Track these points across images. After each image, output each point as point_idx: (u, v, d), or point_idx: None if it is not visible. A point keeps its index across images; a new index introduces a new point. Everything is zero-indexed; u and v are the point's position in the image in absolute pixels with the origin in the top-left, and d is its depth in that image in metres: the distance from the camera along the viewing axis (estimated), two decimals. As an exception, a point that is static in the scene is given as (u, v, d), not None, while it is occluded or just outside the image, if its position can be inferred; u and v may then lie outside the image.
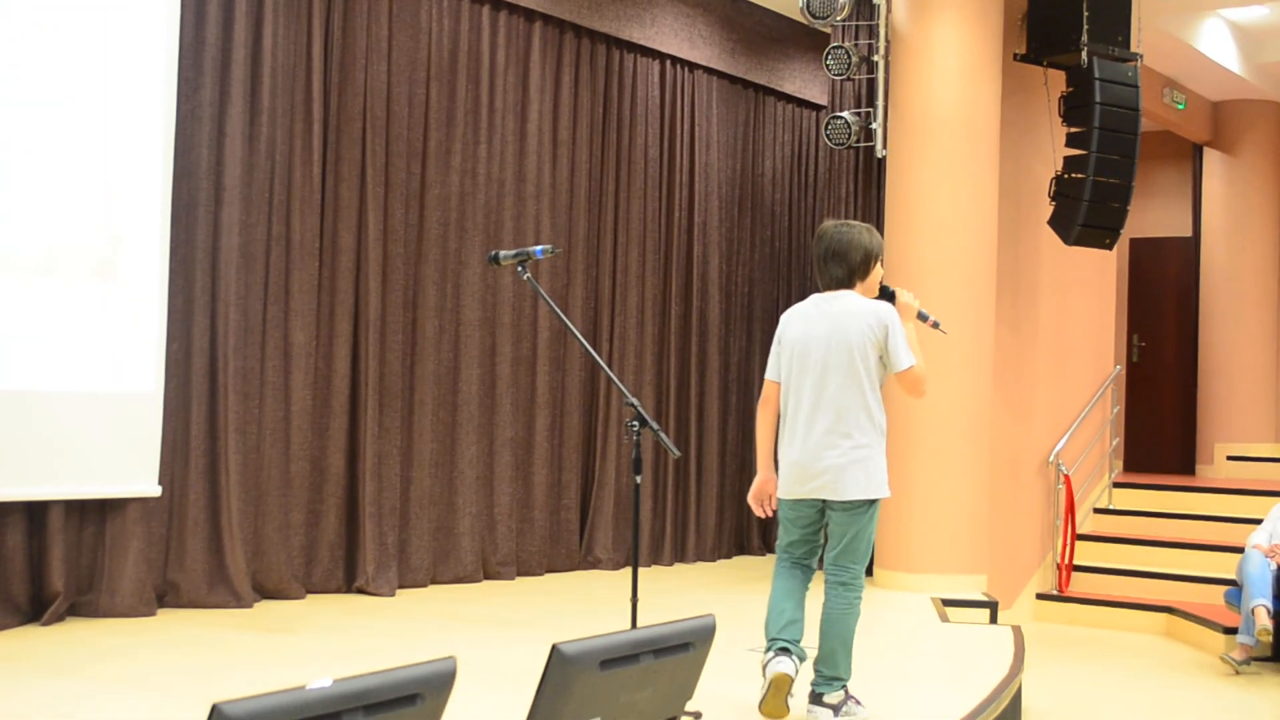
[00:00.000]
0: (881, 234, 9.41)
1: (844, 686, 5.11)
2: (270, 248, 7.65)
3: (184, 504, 7.24)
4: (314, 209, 7.87)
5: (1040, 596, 10.35)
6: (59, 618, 6.62)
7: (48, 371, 6.51)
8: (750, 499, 5.34)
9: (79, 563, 6.86)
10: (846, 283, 5.15)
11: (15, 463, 6.39)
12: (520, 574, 9.01)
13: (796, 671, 5.04)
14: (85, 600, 6.85)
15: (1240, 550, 8.80)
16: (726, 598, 8.51)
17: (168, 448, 7.15)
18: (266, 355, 7.63)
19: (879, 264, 5.21)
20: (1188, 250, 13.89)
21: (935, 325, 5.41)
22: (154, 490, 6.95)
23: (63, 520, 6.67)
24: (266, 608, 7.37)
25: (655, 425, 4.96)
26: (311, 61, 7.85)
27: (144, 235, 6.87)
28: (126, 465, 6.83)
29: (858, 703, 5.15)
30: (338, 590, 7.96)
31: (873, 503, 5.05)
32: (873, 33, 9.56)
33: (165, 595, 7.19)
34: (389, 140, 8.24)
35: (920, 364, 5.06)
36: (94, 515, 6.89)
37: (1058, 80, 9.59)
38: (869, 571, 9.30)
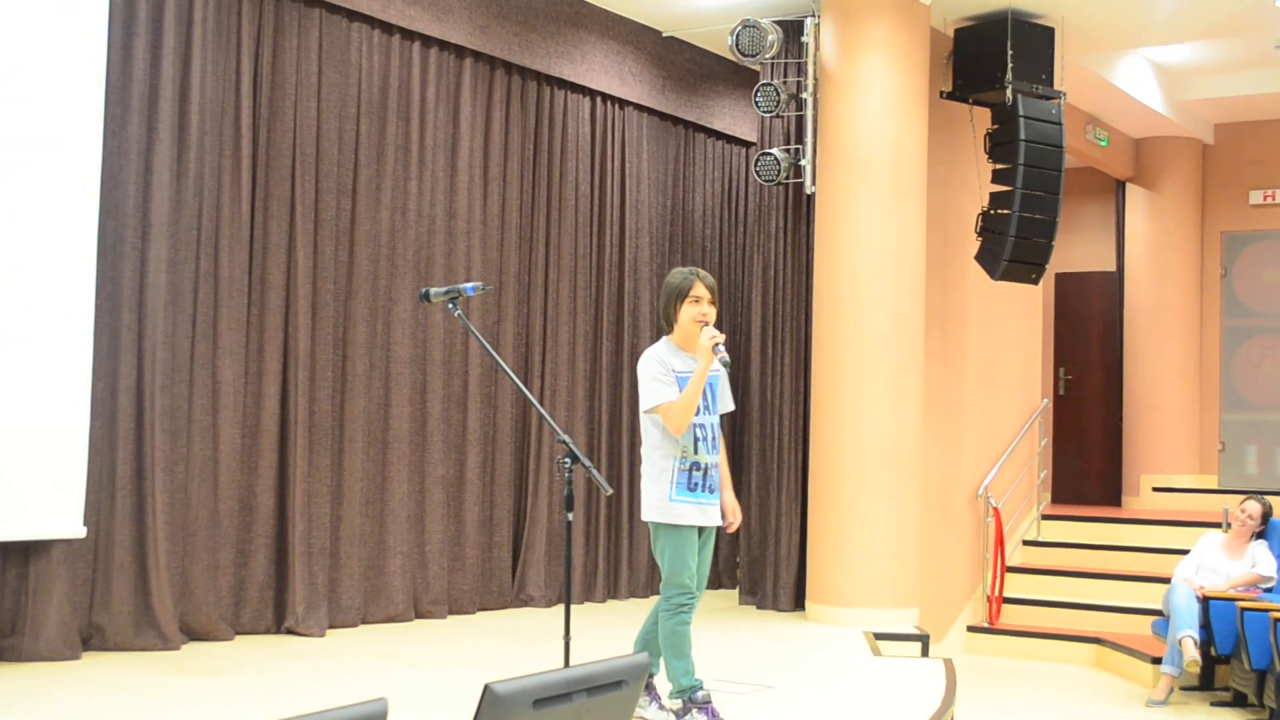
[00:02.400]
0: (810, 269, 9.56)
1: (680, 694, 5.59)
2: (198, 285, 7.58)
3: (110, 545, 7.13)
4: (243, 246, 7.81)
5: (971, 629, 10.41)
6: (-19, 662, 6.51)
7: (-30, 411, 6.41)
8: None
9: (1, 606, 6.73)
10: (667, 328, 5.61)
11: (-64, 504, 6.28)
12: (452, 612, 8.95)
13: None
14: (8, 644, 6.72)
15: (1167, 580, 8.91)
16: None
17: (93, 487, 7.05)
18: (194, 393, 7.55)
19: (682, 303, 5.54)
20: (1112, 284, 14.09)
21: (725, 364, 5.49)
22: (79, 531, 6.85)
23: (-15, 563, 6.57)
24: (194, 650, 7.27)
25: (587, 462, 4.97)
26: (240, 98, 7.81)
27: (70, 272, 6.79)
28: (51, 506, 6.72)
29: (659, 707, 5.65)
30: (267, 631, 7.86)
31: (654, 525, 5.57)
32: (801, 70, 9.64)
33: (90, 638, 7.07)
34: (318, 176, 8.21)
35: (665, 404, 5.39)
36: (17, 557, 6.77)
37: (983, 117, 9.73)
38: (800, 605, 9.38)
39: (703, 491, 5.47)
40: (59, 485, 6.74)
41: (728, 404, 5.69)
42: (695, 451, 5.46)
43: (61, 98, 6.78)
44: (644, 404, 5.46)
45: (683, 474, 5.44)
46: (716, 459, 5.57)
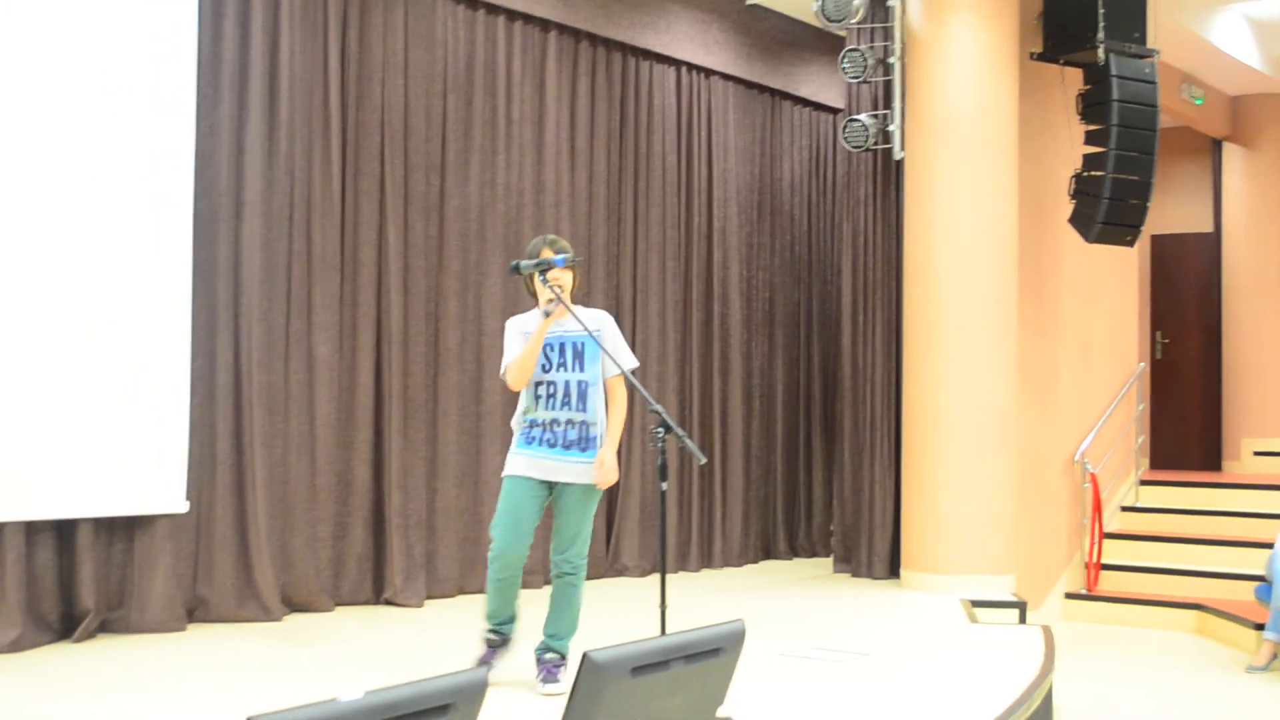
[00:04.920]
0: (900, 236, 9.49)
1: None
2: (292, 262, 7.67)
3: (211, 519, 7.26)
4: (334, 222, 7.89)
5: (1069, 596, 10.32)
6: (90, 635, 6.65)
7: (73, 390, 6.54)
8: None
9: (109, 579, 6.88)
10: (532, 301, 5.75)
11: (44, 482, 6.42)
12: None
13: None
14: (116, 617, 6.87)
15: (1269, 545, 8.76)
16: (755, 602, 8.51)
17: (194, 463, 7.18)
18: (290, 369, 7.65)
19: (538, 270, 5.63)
20: (1209, 245, 13.84)
21: (546, 313, 5.53)
22: (182, 506, 6.98)
23: (92, 538, 6.70)
24: (296, 621, 7.39)
25: (680, 431, 4.96)
26: (329, 75, 7.88)
27: (167, 252, 6.90)
28: (154, 481, 6.86)
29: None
30: (366, 602, 7.97)
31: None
32: (888, 35, 9.55)
33: (195, 610, 7.21)
34: (407, 153, 8.27)
35: (507, 362, 5.57)
36: (123, 532, 6.92)
37: (1075, 78, 9.57)
38: (895, 573, 9.34)
39: (540, 445, 5.54)
40: (162, 461, 6.88)
41: (616, 365, 5.59)
42: (533, 408, 5.58)
43: (154, 80, 6.88)
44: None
45: (524, 430, 5.60)
46: (575, 417, 5.56)
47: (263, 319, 7.45)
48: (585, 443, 5.57)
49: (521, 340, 5.54)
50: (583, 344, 5.58)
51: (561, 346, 5.57)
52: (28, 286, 6.40)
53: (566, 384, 5.55)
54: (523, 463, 5.55)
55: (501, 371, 5.60)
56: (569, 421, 5.55)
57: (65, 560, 6.68)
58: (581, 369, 5.58)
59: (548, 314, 5.49)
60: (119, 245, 6.73)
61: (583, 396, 5.57)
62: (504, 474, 5.63)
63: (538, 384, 5.56)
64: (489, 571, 5.65)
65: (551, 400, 5.55)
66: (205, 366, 7.26)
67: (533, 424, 5.56)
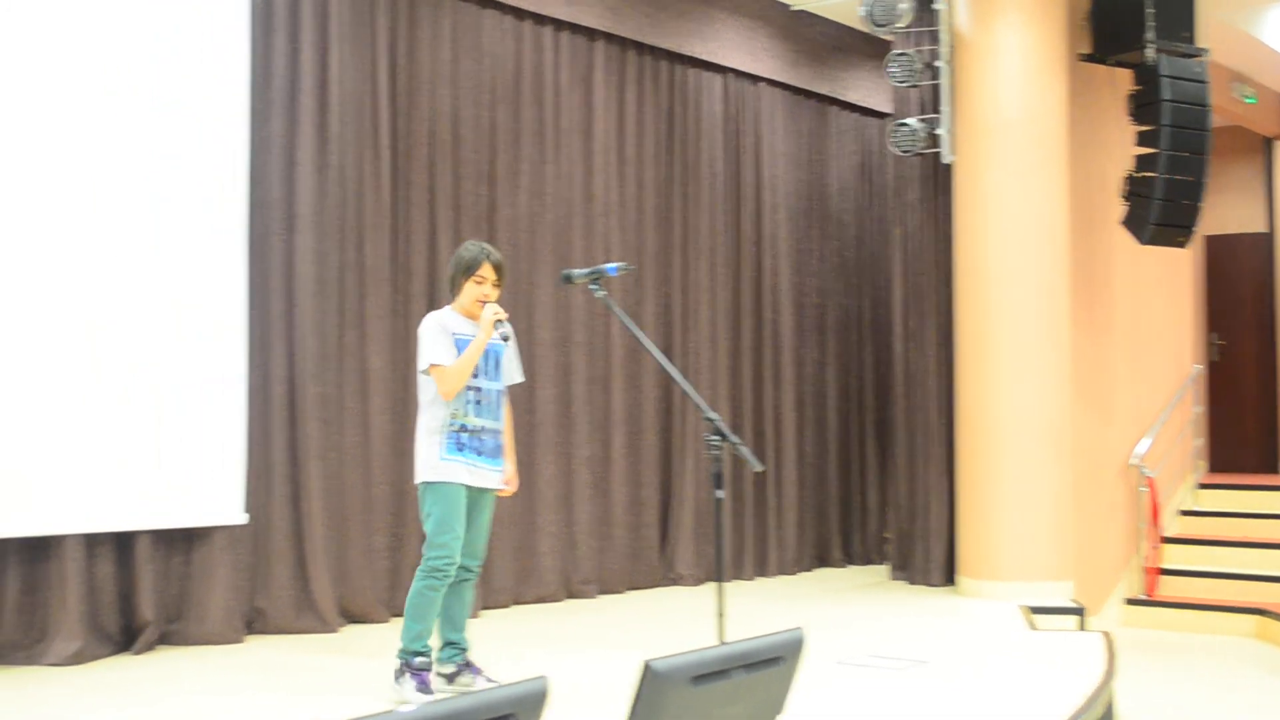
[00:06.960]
0: (950, 239, 9.43)
1: (404, 654, 5.65)
2: (344, 274, 7.71)
3: (269, 531, 7.31)
4: (385, 234, 7.93)
5: (1129, 601, 10.22)
6: (149, 646, 6.70)
7: (132, 403, 6.60)
8: None
9: (168, 591, 6.94)
10: (450, 296, 5.74)
11: (104, 495, 6.49)
12: (602, 592, 9.01)
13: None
14: (175, 629, 6.92)
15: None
16: (811, 610, 8.48)
17: (252, 475, 7.22)
18: (345, 381, 7.69)
19: (468, 279, 5.63)
20: (1263, 245, 13.71)
21: (504, 338, 5.61)
22: (240, 518, 7.04)
23: (151, 550, 6.76)
24: (353, 632, 7.42)
25: (736, 439, 4.96)
26: (378, 88, 7.92)
27: (223, 268, 6.96)
28: (213, 493, 6.91)
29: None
30: (421, 613, 7.98)
31: (422, 485, 5.60)
32: (935, 38, 9.51)
33: (253, 622, 7.26)
34: (456, 164, 8.30)
35: (440, 365, 5.51)
36: (181, 544, 6.97)
37: (1124, 79, 9.50)
38: (951, 579, 9.26)
39: (470, 452, 5.57)
40: (220, 473, 6.94)
41: (514, 375, 5.82)
42: (465, 414, 5.57)
43: (208, 97, 6.94)
44: (420, 363, 5.58)
45: (451, 434, 5.55)
46: (495, 425, 5.68)
47: (316, 331, 7.49)
48: (499, 450, 5.74)
49: (448, 340, 5.56)
50: (499, 352, 5.70)
51: (488, 354, 5.63)
52: (88, 304, 6.46)
53: (492, 393, 5.68)
54: (460, 470, 5.56)
55: (423, 365, 5.55)
56: (493, 430, 5.69)
57: (125, 572, 6.74)
58: (499, 378, 5.72)
59: (504, 336, 5.59)
60: (177, 263, 6.79)
61: (499, 405, 5.73)
62: (436, 479, 5.54)
63: (469, 389, 5.59)
64: (431, 584, 5.55)
65: (479, 407, 5.63)
66: (260, 379, 7.31)
67: (463, 429, 5.57)
